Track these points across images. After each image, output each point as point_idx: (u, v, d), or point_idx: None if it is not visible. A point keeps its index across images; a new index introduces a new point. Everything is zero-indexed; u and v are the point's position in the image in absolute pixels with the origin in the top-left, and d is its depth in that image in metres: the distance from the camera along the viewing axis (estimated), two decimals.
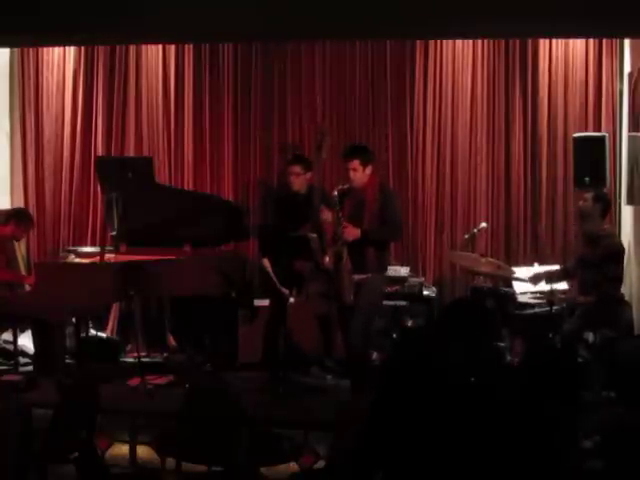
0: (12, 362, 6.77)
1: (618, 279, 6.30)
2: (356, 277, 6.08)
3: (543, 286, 6.58)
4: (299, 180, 6.66)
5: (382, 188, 6.29)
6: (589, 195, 6.39)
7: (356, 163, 6.12)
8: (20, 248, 7.35)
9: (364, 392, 5.91)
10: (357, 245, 6.05)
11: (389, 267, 6.73)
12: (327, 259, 6.11)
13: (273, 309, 6.59)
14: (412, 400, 3.11)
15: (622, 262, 6.36)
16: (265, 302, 7.02)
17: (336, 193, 6.07)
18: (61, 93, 8.37)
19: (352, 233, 6.04)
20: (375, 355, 6.93)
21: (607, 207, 6.42)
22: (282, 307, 6.38)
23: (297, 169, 6.67)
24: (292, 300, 6.54)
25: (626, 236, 7.25)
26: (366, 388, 5.95)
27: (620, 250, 6.36)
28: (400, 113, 8.02)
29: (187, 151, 8.25)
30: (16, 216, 7.12)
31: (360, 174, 6.13)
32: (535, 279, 6.62)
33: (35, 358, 6.76)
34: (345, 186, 6.13)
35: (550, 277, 6.55)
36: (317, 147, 6.31)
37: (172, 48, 8.23)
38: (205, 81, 8.22)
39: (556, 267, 6.84)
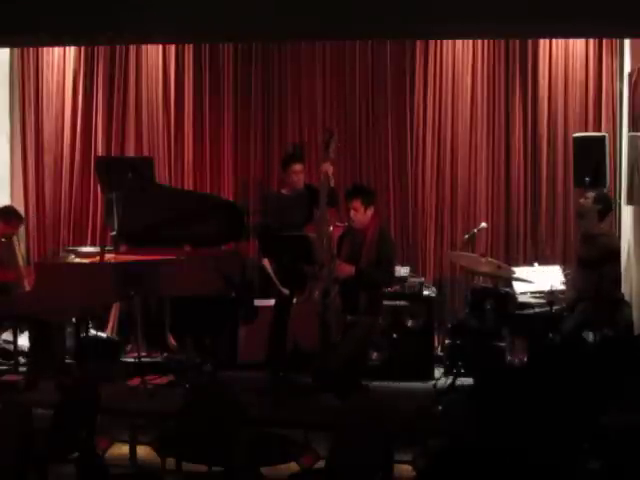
0: (12, 362, 6.77)
1: (615, 279, 6.29)
2: (349, 317, 6.09)
3: (543, 286, 6.58)
4: (300, 179, 6.69)
5: (381, 232, 6.32)
6: (590, 194, 6.37)
7: (357, 203, 6.15)
8: (20, 248, 7.32)
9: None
10: (350, 286, 6.07)
11: None
12: (316, 293, 6.11)
13: (277, 309, 6.55)
14: None
15: (618, 261, 6.34)
16: (265, 302, 7.01)
17: (332, 229, 6.10)
18: (61, 93, 8.35)
19: (345, 270, 6.08)
20: (375, 355, 6.93)
21: (606, 209, 6.37)
22: (287, 307, 6.36)
23: (299, 167, 6.70)
24: (294, 301, 6.51)
25: (626, 236, 7.24)
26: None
27: (615, 249, 6.35)
28: (400, 113, 8.01)
29: (187, 151, 8.24)
30: (2, 215, 7.09)
31: (361, 214, 6.17)
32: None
33: (30, 357, 6.73)
34: (344, 224, 6.17)
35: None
36: (325, 147, 6.31)
37: (172, 48, 8.21)
38: (205, 81, 8.21)
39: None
